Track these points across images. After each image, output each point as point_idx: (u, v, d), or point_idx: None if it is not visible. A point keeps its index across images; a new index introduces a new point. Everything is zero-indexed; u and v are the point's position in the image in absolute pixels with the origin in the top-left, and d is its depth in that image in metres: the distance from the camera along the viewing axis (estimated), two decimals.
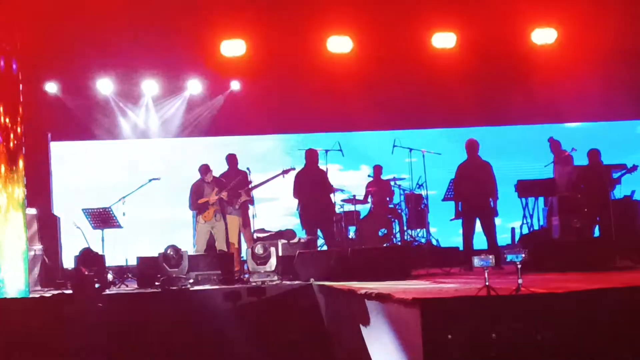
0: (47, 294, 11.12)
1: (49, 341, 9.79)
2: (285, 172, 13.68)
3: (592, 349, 6.54)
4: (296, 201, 13.84)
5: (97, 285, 10.96)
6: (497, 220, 13.27)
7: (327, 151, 14.13)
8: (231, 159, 13.95)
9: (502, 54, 15.39)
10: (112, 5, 13.52)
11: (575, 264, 10.75)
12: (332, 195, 14.04)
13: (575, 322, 6.62)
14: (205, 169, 13.45)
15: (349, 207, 14.79)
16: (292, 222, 14.81)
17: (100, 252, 12.37)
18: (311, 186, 13.60)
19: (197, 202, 13.38)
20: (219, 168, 13.92)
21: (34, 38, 13.11)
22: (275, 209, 16.34)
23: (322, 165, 13.92)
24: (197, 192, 13.44)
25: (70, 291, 11.35)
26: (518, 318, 6.55)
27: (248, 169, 13.83)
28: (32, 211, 12.54)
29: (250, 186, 13.66)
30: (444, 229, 15.66)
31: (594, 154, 13.82)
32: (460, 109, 16.08)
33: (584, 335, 6.58)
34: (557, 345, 6.51)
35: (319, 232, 13.76)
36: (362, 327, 8.47)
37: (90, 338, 9.97)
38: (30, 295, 10.80)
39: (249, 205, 13.80)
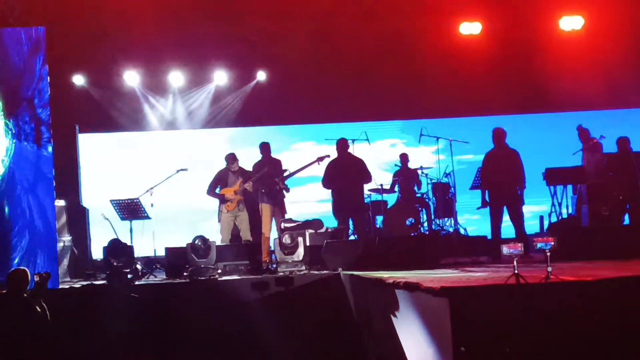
0: (77, 285, 11.22)
1: (78, 331, 9.88)
2: (320, 159, 13.59)
3: (623, 336, 6.51)
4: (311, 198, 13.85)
5: (129, 276, 11.03)
6: (528, 208, 13.18)
7: (353, 141, 14.15)
8: (265, 147, 13.88)
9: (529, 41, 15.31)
10: None
11: (605, 252, 10.68)
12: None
13: (606, 309, 6.59)
14: (231, 158, 13.44)
15: (376, 197, 14.75)
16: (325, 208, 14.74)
17: (128, 243, 12.43)
18: (343, 176, 13.54)
19: (215, 190, 13.39)
20: (245, 159, 13.90)
21: (61, 30, 13.19)
22: (309, 194, 16.34)
23: (358, 154, 13.95)
24: (220, 179, 13.42)
25: (99, 282, 11.44)
26: (548, 306, 6.53)
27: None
28: (61, 203, 12.63)
29: (284, 175, 13.59)
30: (474, 218, 15.65)
31: (623, 142, 13.72)
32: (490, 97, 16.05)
33: (614, 322, 6.54)
34: (588, 332, 6.48)
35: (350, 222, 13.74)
36: (390, 316, 8.46)
37: (119, 328, 10.05)
38: (60, 286, 10.87)
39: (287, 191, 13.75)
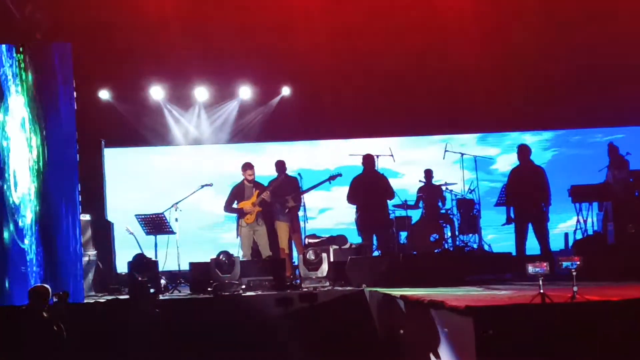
0: (101, 299, 11.26)
1: (102, 345, 9.91)
2: (332, 178, 13.62)
3: None
4: (348, 208, 13.80)
5: (152, 291, 11.05)
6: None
7: (377, 156, 14.15)
8: (280, 165, 13.91)
9: None
10: (164, 13, 13.63)
11: (631, 271, 10.58)
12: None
13: (633, 330, 6.52)
14: (246, 165, 13.41)
15: (400, 212, 14.71)
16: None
17: (153, 258, 12.46)
18: (368, 191, 13.53)
19: (232, 205, 13.38)
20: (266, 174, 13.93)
21: (87, 46, 13.29)
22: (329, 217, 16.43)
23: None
24: (236, 194, 13.39)
25: (123, 296, 11.47)
26: (573, 326, 6.48)
27: (299, 174, 13.82)
28: (87, 217, 12.70)
29: (297, 191, 13.60)
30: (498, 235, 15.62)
31: None
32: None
33: None
34: (614, 353, 6.42)
35: (374, 238, 13.73)
36: (414, 334, 8.43)
37: (143, 343, 10.07)
38: (85, 301, 10.92)
39: (299, 210, 13.74)
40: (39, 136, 11.00)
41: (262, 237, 13.29)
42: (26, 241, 10.74)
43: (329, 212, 16.55)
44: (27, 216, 10.85)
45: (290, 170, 14.12)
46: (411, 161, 16.52)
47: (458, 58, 14.91)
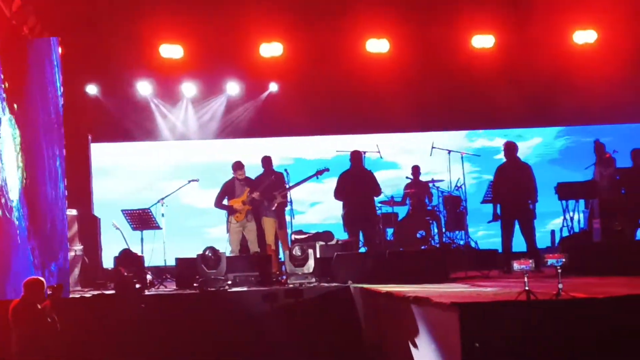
0: (87, 294, 11.23)
1: (88, 341, 9.89)
2: (319, 173, 13.58)
3: (634, 355, 6.47)
4: (338, 202, 13.80)
5: (137, 286, 11.03)
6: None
7: (364, 152, 14.13)
8: (266, 160, 13.89)
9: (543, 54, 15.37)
10: (152, 7, 13.60)
11: (617, 268, 10.59)
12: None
13: (617, 327, 6.54)
14: (237, 165, 13.42)
15: (387, 209, 14.71)
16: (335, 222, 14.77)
17: (139, 253, 12.45)
18: (355, 188, 13.49)
19: (222, 201, 13.39)
20: (256, 170, 13.90)
21: (74, 40, 13.25)
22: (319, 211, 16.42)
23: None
24: (226, 190, 13.41)
25: (109, 291, 11.45)
26: (558, 323, 6.49)
27: (286, 170, 13.78)
28: (73, 212, 12.66)
29: (284, 188, 13.58)
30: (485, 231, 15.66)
31: (637, 154, 13.60)
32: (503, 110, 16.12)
33: (625, 340, 6.50)
34: (599, 350, 6.44)
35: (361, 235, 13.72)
36: (399, 330, 8.44)
37: (129, 338, 10.07)
38: (70, 296, 10.88)
39: (285, 206, 13.73)
40: (17, 131, 10.92)
41: (252, 232, 13.32)
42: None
43: (320, 206, 16.56)
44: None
45: (280, 158, 14.12)
46: (408, 150, 16.55)
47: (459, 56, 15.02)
